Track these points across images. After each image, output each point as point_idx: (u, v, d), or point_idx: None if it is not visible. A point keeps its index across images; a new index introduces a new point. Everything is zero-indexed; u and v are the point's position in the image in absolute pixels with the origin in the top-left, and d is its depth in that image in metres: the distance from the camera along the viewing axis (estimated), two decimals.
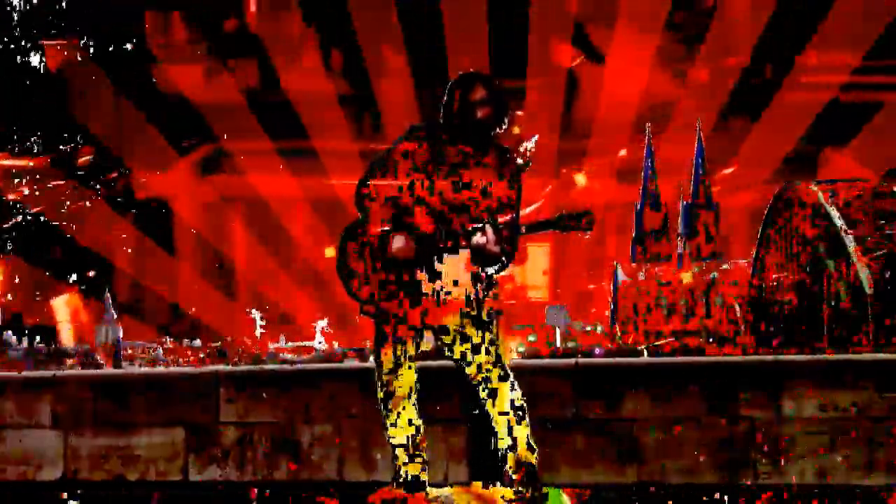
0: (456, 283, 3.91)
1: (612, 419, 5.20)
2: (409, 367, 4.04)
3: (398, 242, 3.91)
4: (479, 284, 3.96)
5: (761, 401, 5.08)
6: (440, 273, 3.91)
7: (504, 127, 3.99)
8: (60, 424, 5.78)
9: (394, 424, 4.07)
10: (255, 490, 5.39)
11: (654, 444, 5.15)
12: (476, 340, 3.95)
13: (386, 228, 3.95)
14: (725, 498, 4.89)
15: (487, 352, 3.95)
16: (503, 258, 3.87)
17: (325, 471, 5.44)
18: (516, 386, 3.98)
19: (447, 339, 3.97)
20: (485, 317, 3.96)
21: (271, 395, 5.57)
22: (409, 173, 3.97)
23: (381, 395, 4.06)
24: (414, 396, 4.05)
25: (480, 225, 3.81)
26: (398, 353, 4.00)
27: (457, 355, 3.98)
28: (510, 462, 4.01)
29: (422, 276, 3.91)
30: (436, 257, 3.90)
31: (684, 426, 5.13)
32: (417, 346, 4.03)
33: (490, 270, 3.92)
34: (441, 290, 3.92)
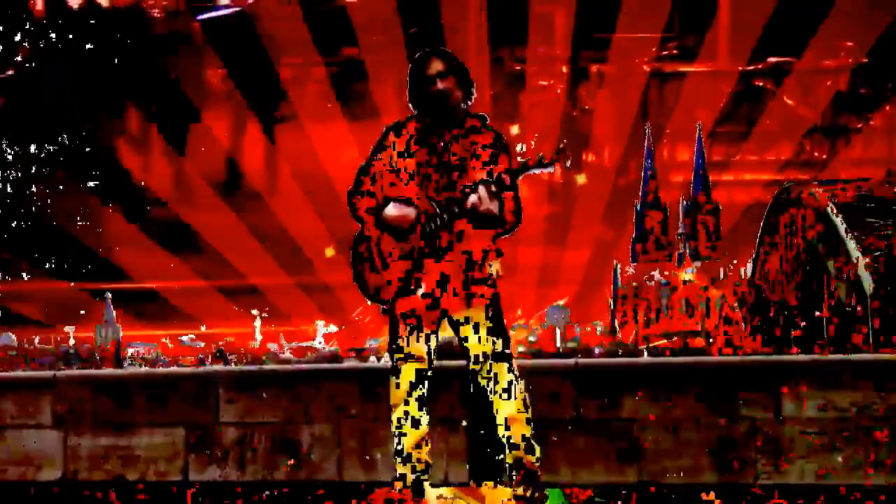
0: (465, 259, 3.91)
1: (612, 419, 5.20)
2: (421, 365, 4.03)
3: (391, 210, 3.90)
4: (486, 260, 3.95)
5: (761, 401, 5.09)
6: (445, 249, 3.89)
7: (472, 98, 3.99)
8: (60, 424, 5.79)
9: (400, 423, 4.06)
10: (256, 490, 5.39)
11: (654, 444, 5.15)
12: (483, 327, 3.95)
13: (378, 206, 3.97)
14: (725, 498, 4.89)
15: (493, 342, 3.95)
16: (505, 218, 3.86)
17: (325, 471, 5.45)
18: (521, 384, 3.98)
19: (459, 328, 3.97)
20: (491, 298, 3.96)
21: (271, 395, 5.57)
22: (394, 168, 3.98)
23: (392, 392, 4.06)
24: (422, 395, 4.05)
25: (471, 187, 3.80)
26: (409, 349, 4.01)
27: (470, 346, 3.97)
28: (510, 462, 4.01)
29: (427, 262, 3.91)
30: (437, 233, 3.89)
31: (684, 426, 5.13)
32: (430, 342, 4.02)
33: (499, 230, 3.91)
34: (448, 270, 3.91)
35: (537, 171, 3.79)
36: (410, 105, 4.01)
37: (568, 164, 3.79)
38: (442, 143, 3.93)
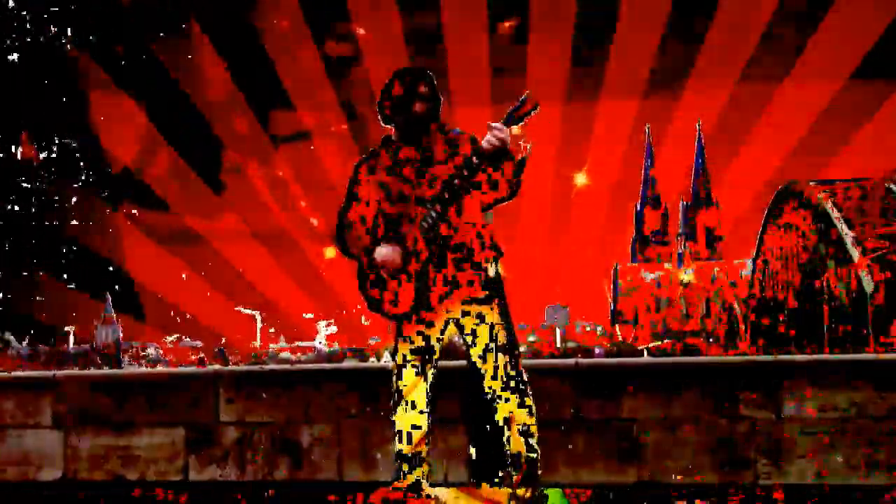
0: (467, 259, 3.91)
1: (612, 419, 5.20)
2: (421, 367, 4.03)
3: (382, 253, 3.92)
4: (488, 260, 3.96)
5: (761, 401, 5.09)
6: (447, 242, 3.90)
7: (437, 120, 4.03)
8: (60, 424, 5.79)
9: (402, 423, 4.06)
10: (256, 490, 5.39)
11: (654, 444, 5.15)
12: (487, 327, 3.95)
13: (368, 246, 3.99)
14: (725, 498, 4.89)
15: (497, 340, 3.95)
16: (518, 157, 3.87)
17: (325, 471, 5.45)
18: (525, 384, 3.99)
19: (462, 323, 3.97)
20: (493, 294, 3.97)
21: (271, 395, 5.57)
22: (378, 189, 4.00)
23: (394, 391, 4.06)
24: (424, 395, 4.05)
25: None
26: (414, 350, 4.01)
27: (474, 346, 3.97)
28: (510, 462, 4.01)
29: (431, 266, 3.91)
30: (436, 226, 3.89)
31: (684, 426, 5.13)
32: (434, 343, 4.02)
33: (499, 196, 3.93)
34: (450, 270, 3.91)
35: (519, 121, 3.80)
36: (383, 119, 4.04)
37: (538, 109, 3.79)
38: (423, 154, 3.97)
